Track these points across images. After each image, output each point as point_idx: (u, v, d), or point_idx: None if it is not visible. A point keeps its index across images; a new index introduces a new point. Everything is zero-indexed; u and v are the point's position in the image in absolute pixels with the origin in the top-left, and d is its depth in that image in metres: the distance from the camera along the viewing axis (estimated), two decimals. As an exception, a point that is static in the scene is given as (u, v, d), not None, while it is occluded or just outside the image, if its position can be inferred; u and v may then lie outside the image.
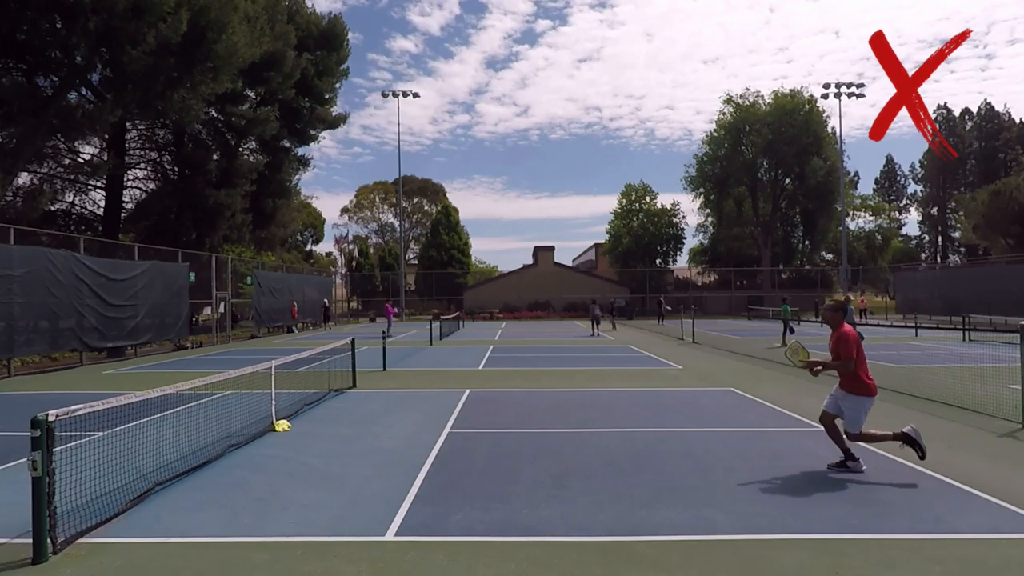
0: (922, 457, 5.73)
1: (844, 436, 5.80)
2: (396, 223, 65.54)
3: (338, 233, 77.86)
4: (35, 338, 14.88)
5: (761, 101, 53.17)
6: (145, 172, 31.40)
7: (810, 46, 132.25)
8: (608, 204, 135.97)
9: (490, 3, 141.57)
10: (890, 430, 5.94)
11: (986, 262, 40.28)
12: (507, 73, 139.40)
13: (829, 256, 60.09)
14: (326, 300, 37.05)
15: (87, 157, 26.03)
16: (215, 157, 30.62)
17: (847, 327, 5.82)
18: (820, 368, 5.93)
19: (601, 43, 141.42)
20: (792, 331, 20.08)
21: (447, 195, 71.25)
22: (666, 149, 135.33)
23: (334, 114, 36.37)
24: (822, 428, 6.02)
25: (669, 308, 37.79)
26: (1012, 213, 41.81)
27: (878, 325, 25.43)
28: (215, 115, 29.74)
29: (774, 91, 53.01)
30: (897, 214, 76.10)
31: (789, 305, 21.04)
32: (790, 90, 52.44)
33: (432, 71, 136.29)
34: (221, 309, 27.37)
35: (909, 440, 5.72)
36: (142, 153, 30.70)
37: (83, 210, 28.83)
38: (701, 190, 55.28)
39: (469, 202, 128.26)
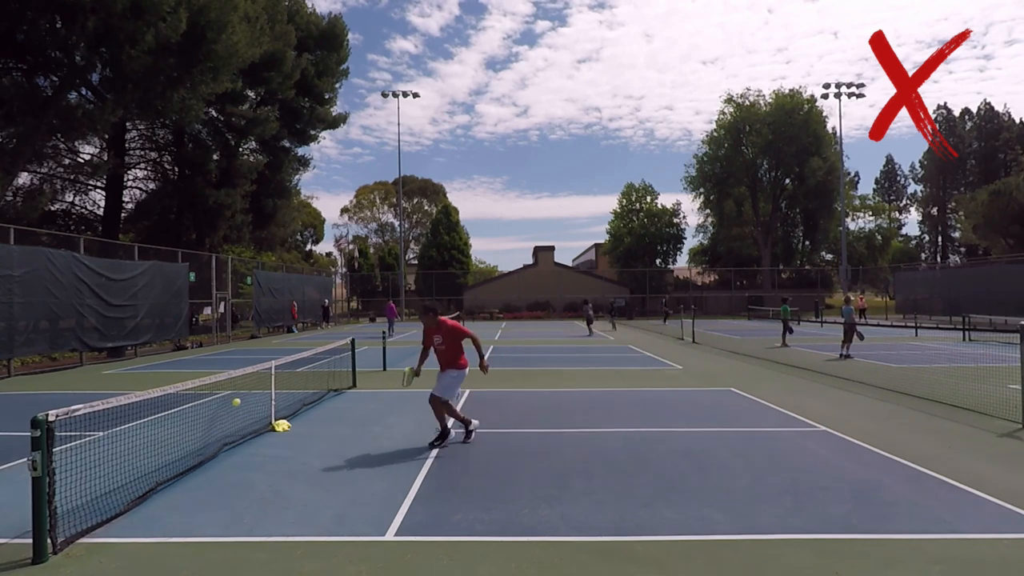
0: (431, 444, 6.85)
1: (447, 410, 6.93)
2: (396, 223, 65.56)
3: (338, 233, 78.00)
4: (35, 338, 14.87)
5: (761, 101, 53.19)
6: (145, 172, 31.44)
7: (809, 47, 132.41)
8: (608, 204, 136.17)
9: (489, 4, 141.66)
10: (465, 416, 7.13)
11: (986, 262, 40.26)
12: (507, 74, 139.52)
13: (829, 256, 60.09)
14: (326, 300, 36.85)
15: (87, 157, 26.05)
16: (215, 157, 30.62)
17: (446, 320, 7.06)
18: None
19: (600, 44, 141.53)
20: (791, 331, 19.97)
21: (447, 195, 71.34)
22: (665, 149, 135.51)
23: (334, 114, 36.38)
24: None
25: (670, 311, 37.99)
26: (1012, 213, 41.78)
27: (878, 325, 25.41)
28: (215, 115, 29.74)
29: (774, 91, 53.07)
30: (897, 214, 76.12)
31: (789, 305, 20.94)
32: (790, 90, 52.48)
33: (432, 72, 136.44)
34: (221, 309, 27.36)
35: (467, 431, 7.05)
36: (142, 153, 30.71)
37: (83, 210, 28.86)
38: (701, 190, 55.27)
39: (469, 202, 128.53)
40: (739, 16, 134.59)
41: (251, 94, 31.33)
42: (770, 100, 52.59)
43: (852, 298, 18.87)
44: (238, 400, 7.64)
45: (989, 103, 68.55)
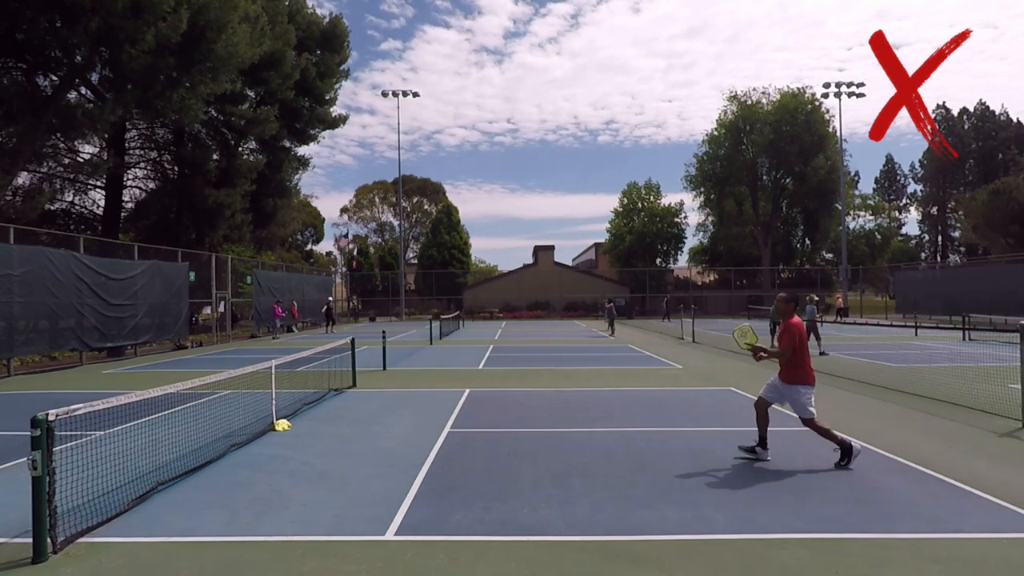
0: None
1: None
2: (395, 223, 65.56)
3: (338, 232, 78.00)
4: (35, 337, 14.88)
5: (765, 99, 53.12)
6: (145, 172, 31.38)
7: (810, 45, 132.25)
8: (608, 204, 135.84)
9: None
10: None
11: (986, 262, 40.27)
12: (507, 72, 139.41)
13: (829, 255, 60.05)
14: (330, 299, 36.03)
15: (87, 156, 25.98)
16: (215, 157, 30.58)
17: None
18: (764, 356, 6.27)
19: (600, 45, 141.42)
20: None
21: (446, 194, 71.30)
22: (666, 149, 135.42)
23: (334, 114, 36.34)
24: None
25: (670, 310, 38.54)
26: (1011, 213, 41.81)
27: (878, 325, 25.37)
28: (215, 115, 29.70)
29: (779, 89, 52.96)
30: (897, 214, 76.11)
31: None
32: (793, 88, 52.40)
33: (432, 69, 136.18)
34: (221, 308, 27.37)
35: None
36: (142, 153, 30.67)
37: (83, 209, 28.82)
38: (701, 189, 55.24)
39: (469, 202, 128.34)
40: (740, 15, 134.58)
41: (251, 94, 31.29)
42: (775, 99, 52.47)
43: (816, 298, 19.62)
44: None
45: (985, 103, 68.70)
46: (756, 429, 6.38)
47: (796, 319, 6.21)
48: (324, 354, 14.59)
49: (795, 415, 8.41)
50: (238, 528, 4.57)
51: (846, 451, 5.95)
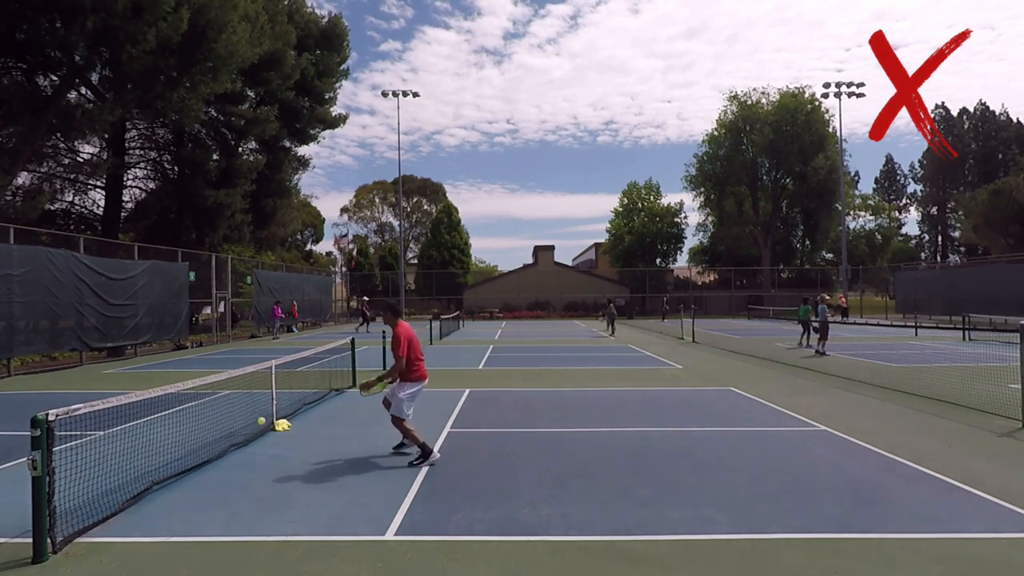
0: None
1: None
2: (395, 223, 65.56)
3: (338, 232, 78.02)
4: (35, 337, 14.87)
5: (764, 99, 53.10)
6: (145, 172, 31.35)
7: (809, 46, 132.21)
8: (609, 203, 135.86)
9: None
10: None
11: (986, 262, 40.25)
12: (507, 73, 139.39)
13: (829, 255, 60.03)
14: (364, 299, 36.47)
15: (87, 156, 25.98)
16: (215, 157, 30.56)
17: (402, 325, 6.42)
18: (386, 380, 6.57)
19: (600, 45, 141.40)
20: (808, 331, 19.00)
21: (446, 194, 71.31)
22: (665, 150, 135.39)
23: (334, 114, 36.33)
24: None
25: (668, 309, 39.33)
26: (1012, 213, 41.82)
27: (878, 325, 25.38)
28: (215, 115, 29.70)
29: (779, 89, 52.95)
30: (897, 214, 76.08)
31: (809, 305, 19.08)
32: (793, 87, 52.37)
33: (431, 69, 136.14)
34: (221, 308, 27.37)
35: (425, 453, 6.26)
36: (142, 153, 30.65)
37: (83, 209, 28.80)
38: (701, 189, 55.22)
39: (469, 202, 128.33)
40: (741, 15, 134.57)
41: (251, 94, 31.28)
42: (775, 99, 52.43)
43: (828, 298, 19.14)
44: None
45: (985, 103, 68.72)
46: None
47: (401, 324, 6.35)
48: (324, 354, 14.59)
49: (794, 414, 8.41)
50: (238, 528, 4.57)
51: (425, 454, 6.21)
